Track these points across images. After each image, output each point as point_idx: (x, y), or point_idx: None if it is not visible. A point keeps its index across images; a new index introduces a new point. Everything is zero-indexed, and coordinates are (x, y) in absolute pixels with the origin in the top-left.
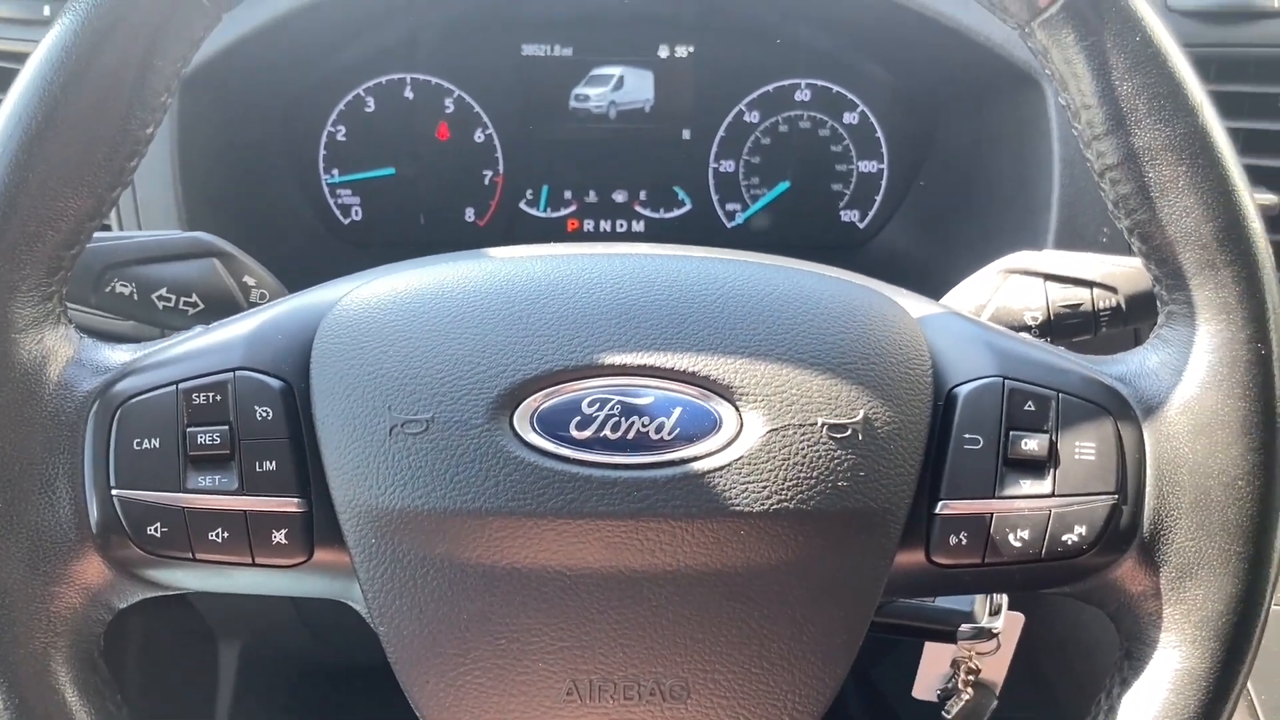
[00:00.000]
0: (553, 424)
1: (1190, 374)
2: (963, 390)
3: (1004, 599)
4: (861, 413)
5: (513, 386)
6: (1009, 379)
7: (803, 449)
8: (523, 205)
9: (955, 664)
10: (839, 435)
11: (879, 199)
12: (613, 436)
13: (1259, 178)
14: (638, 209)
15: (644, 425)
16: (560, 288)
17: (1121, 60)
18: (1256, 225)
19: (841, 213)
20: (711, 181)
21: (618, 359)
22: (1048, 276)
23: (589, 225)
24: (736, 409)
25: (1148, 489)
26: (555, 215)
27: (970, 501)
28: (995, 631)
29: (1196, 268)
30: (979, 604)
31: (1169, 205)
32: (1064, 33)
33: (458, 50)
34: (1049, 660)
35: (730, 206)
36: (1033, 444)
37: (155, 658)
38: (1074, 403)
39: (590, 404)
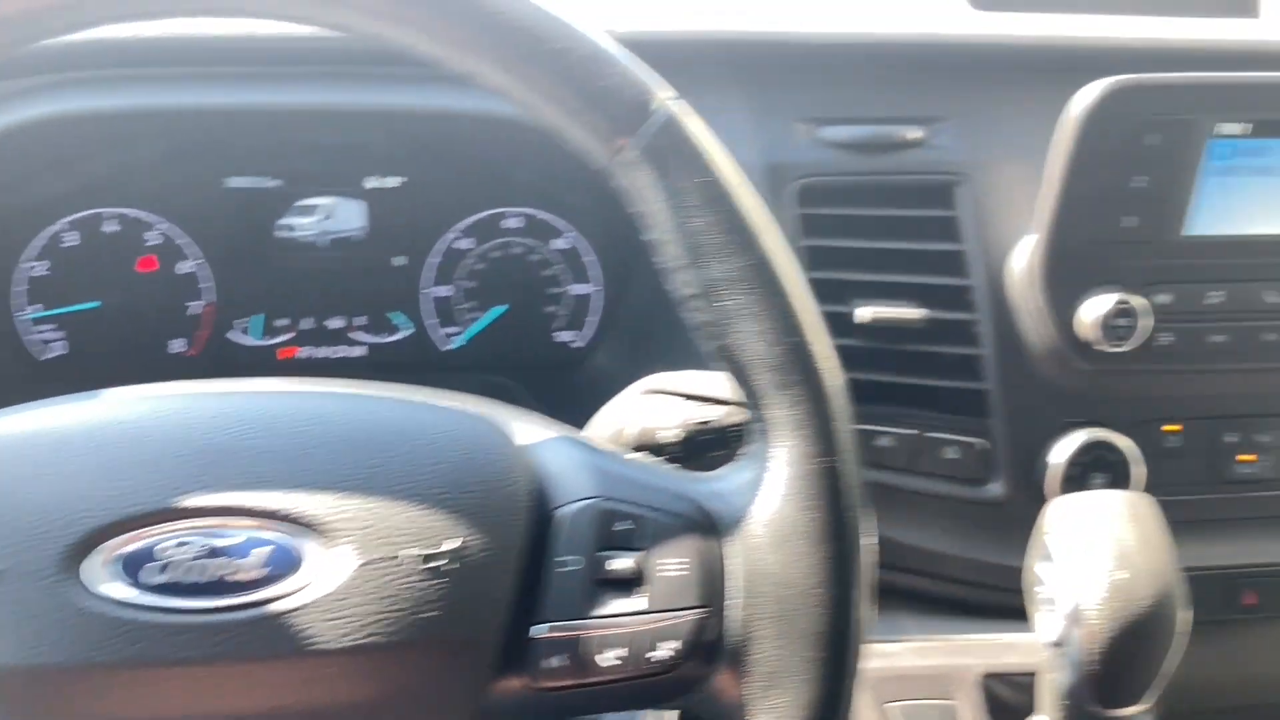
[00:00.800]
0: (130, 570)
1: (769, 488)
2: (561, 512)
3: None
4: (453, 542)
5: (86, 533)
6: (606, 499)
7: (392, 581)
8: (233, 335)
9: None
10: (430, 565)
11: (592, 320)
12: (190, 580)
13: (913, 294)
14: (354, 335)
15: (225, 566)
16: (150, 429)
17: (693, 199)
18: (821, 346)
19: (558, 334)
20: (428, 307)
21: (201, 500)
22: (686, 396)
23: (306, 353)
24: (325, 545)
25: (735, 602)
26: (267, 344)
27: (564, 623)
28: None
29: (771, 388)
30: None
31: (742, 331)
32: (640, 173)
33: (162, 183)
34: None
35: (448, 330)
36: (624, 563)
37: None
38: (665, 521)
39: (170, 547)
